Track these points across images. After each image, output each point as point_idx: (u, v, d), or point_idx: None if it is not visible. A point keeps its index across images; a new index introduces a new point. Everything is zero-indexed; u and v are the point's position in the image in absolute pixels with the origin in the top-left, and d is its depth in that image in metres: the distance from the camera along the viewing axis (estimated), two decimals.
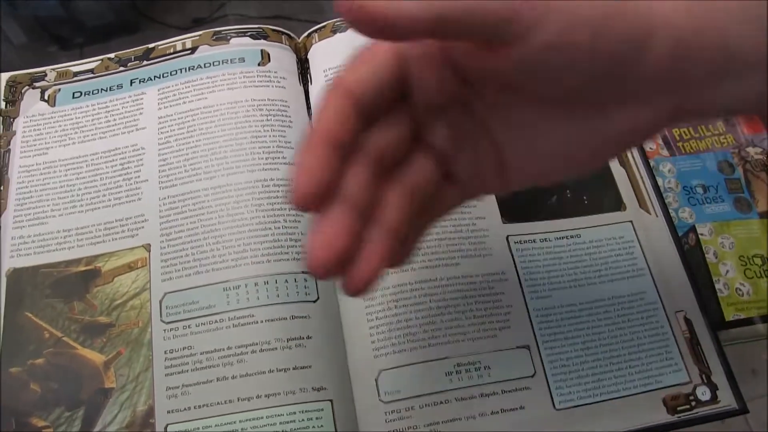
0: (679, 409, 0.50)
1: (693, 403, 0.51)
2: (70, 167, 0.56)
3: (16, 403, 0.48)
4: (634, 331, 0.53)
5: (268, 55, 0.60)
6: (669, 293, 0.55)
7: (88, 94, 0.60)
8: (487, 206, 0.55)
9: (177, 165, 0.55)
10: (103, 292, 0.51)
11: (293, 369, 0.48)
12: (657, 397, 0.51)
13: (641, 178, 0.59)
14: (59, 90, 0.61)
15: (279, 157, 0.55)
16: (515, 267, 0.54)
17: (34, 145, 0.58)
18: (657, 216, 0.58)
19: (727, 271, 0.68)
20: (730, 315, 0.66)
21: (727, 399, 0.51)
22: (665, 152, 0.81)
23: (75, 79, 0.61)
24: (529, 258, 0.54)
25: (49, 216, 0.54)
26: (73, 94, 0.60)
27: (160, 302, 0.50)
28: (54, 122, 0.59)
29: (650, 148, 0.80)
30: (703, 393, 0.51)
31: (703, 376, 0.52)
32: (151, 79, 0.60)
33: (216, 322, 0.49)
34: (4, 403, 0.48)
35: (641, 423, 0.50)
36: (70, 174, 0.56)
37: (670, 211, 0.62)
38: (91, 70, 0.62)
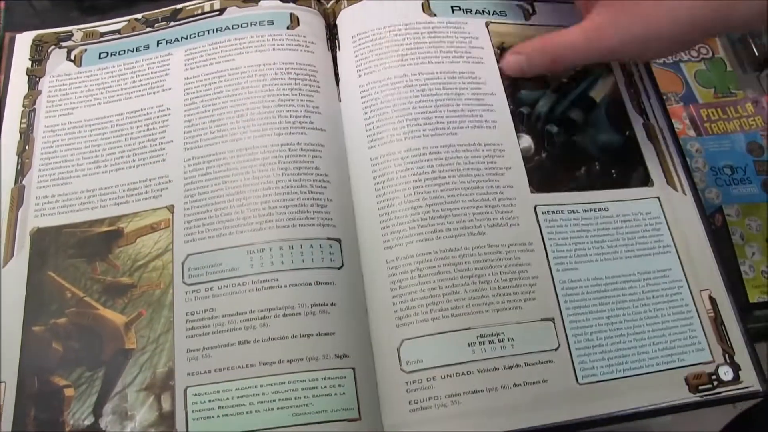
0: (701, 388, 0.50)
1: (715, 383, 0.50)
2: (95, 127, 0.56)
3: (38, 362, 0.48)
4: (659, 308, 0.52)
5: (297, 18, 0.59)
6: (694, 272, 0.54)
7: (115, 55, 0.60)
8: (516, 174, 0.55)
9: (203, 126, 0.54)
10: (126, 253, 0.51)
11: (316, 335, 0.47)
12: (679, 376, 0.50)
13: (670, 154, 0.58)
14: (86, 50, 0.60)
15: (306, 122, 0.54)
16: (542, 238, 0.53)
17: (60, 105, 0.57)
18: (685, 194, 0.57)
19: (753, 254, 0.68)
20: (754, 297, 0.66)
21: (749, 379, 0.51)
22: (692, 132, 0.81)
23: (102, 39, 0.61)
24: (556, 229, 0.53)
25: (74, 176, 0.54)
26: (100, 54, 0.60)
27: (183, 264, 0.50)
28: (80, 82, 0.58)
29: (677, 128, 0.79)
30: (726, 373, 0.51)
31: (726, 356, 0.51)
32: (178, 40, 0.59)
33: (239, 285, 0.48)
34: (27, 361, 0.48)
35: (663, 401, 0.49)
36: (95, 134, 0.56)
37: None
38: (118, 31, 0.61)
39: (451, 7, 0.62)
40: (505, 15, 0.63)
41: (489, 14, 0.62)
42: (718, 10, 0.48)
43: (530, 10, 0.63)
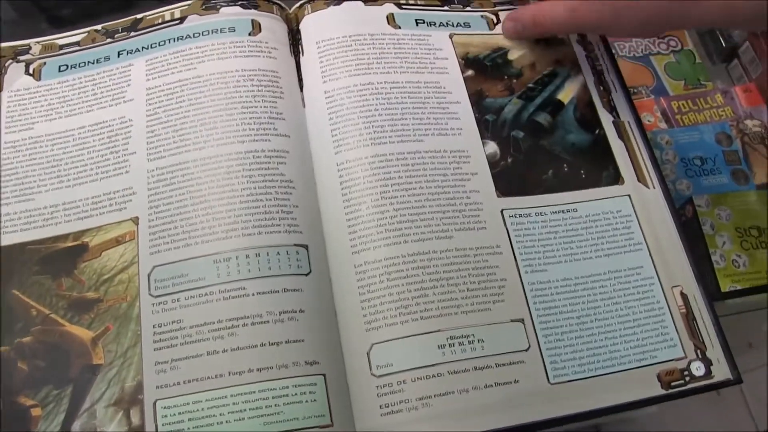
0: (673, 384, 0.50)
1: (687, 378, 0.50)
2: (57, 142, 0.55)
3: (4, 383, 0.47)
4: (630, 306, 0.52)
5: (259, 25, 0.59)
6: (666, 268, 0.54)
7: (75, 67, 0.59)
8: (482, 180, 0.55)
9: (165, 136, 0.54)
10: (91, 268, 0.50)
11: (286, 343, 0.47)
12: (651, 373, 0.50)
13: (640, 151, 0.58)
14: (44, 63, 0.59)
15: (270, 129, 0.54)
16: (510, 241, 0.53)
17: (20, 120, 0.57)
18: (655, 188, 0.57)
19: (724, 243, 0.68)
20: (726, 286, 0.67)
21: (721, 373, 0.51)
22: (663, 125, 0.81)
23: (61, 52, 0.60)
24: (524, 232, 0.54)
25: (36, 192, 0.53)
26: (59, 67, 0.59)
27: (149, 276, 0.49)
28: (39, 96, 0.58)
29: (648, 121, 0.80)
30: (698, 368, 0.51)
31: (698, 352, 0.51)
32: (138, 50, 0.59)
33: (206, 295, 0.48)
34: None
35: (636, 398, 0.49)
36: (57, 149, 0.55)
37: (668, 183, 0.62)
38: (78, 43, 0.60)
39: (416, 20, 0.62)
40: (469, 26, 0.63)
41: (453, 26, 0.63)
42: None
43: (494, 20, 0.64)
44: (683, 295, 0.53)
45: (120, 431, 0.45)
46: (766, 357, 0.71)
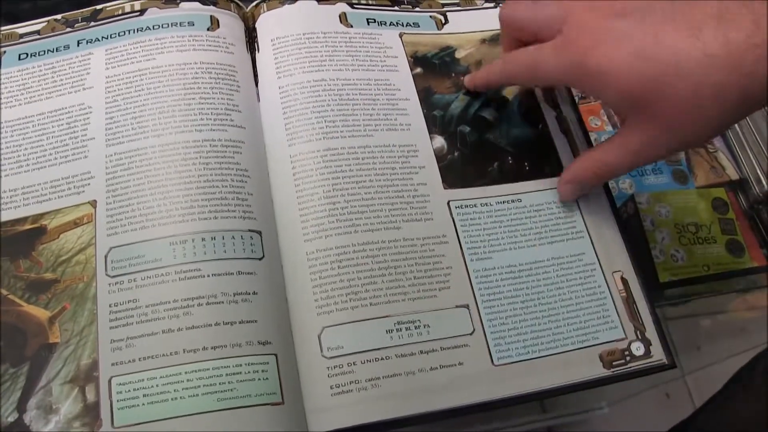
0: (614, 363, 0.52)
1: (628, 358, 0.52)
2: (17, 128, 0.56)
3: None
4: (573, 290, 0.54)
5: (218, 21, 0.61)
6: (607, 255, 0.56)
7: (35, 56, 0.60)
8: (430, 173, 0.57)
9: (124, 123, 0.55)
10: (49, 249, 0.51)
11: (239, 323, 0.48)
12: (594, 353, 0.52)
13: (580, 145, 0.61)
14: (5, 52, 0.60)
15: (227, 120, 0.55)
16: (456, 230, 0.55)
17: None
18: None
19: (663, 238, 0.71)
20: (665, 279, 0.69)
21: (659, 354, 0.53)
22: (609, 128, 0.84)
23: (21, 40, 0.61)
24: (469, 222, 0.55)
25: None
26: (19, 55, 0.60)
27: (106, 257, 0.50)
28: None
29: (595, 124, 0.82)
30: (638, 348, 0.53)
31: (638, 333, 0.53)
32: (98, 40, 0.60)
33: (162, 275, 0.49)
34: None
35: (578, 378, 0.51)
36: (17, 135, 0.56)
37: (611, 182, 0.64)
38: (38, 32, 0.61)
39: (367, 19, 0.64)
40: (418, 26, 0.65)
41: (403, 26, 0.65)
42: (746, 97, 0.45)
43: (443, 20, 0.66)
44: (623, 280, 0.55)
45: (75, 408, 0.46)
46: (715, 358, 0.73)
